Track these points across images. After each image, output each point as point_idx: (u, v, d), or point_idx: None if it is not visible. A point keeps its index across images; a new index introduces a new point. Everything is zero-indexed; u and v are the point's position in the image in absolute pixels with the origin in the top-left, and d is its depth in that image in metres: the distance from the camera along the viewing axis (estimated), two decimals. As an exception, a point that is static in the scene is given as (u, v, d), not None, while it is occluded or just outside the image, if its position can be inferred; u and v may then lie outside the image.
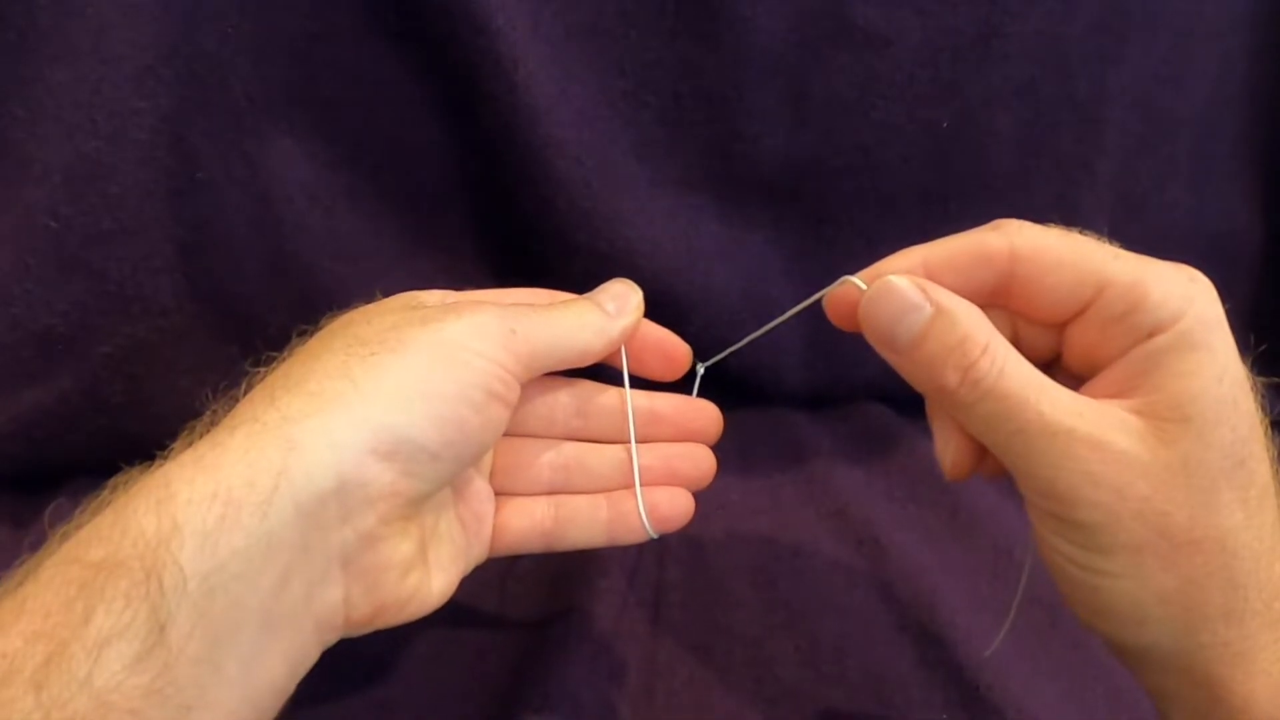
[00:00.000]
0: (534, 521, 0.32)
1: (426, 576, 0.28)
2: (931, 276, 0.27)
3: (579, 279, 0.47)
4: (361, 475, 0.24)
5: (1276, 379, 0.57)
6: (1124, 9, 0.48)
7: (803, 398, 0.54)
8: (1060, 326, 0.27)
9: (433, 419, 0.25)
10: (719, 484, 0.46)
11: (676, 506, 0.33)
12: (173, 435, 0.43)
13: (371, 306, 0.31)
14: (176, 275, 0.42)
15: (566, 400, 0.34)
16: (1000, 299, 0.27)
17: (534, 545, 0.32)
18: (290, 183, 0.43)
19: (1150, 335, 0.25)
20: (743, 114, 0.46)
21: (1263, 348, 0.29)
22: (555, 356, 0.30)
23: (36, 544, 0.40)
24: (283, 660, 0.23)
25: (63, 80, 0.38)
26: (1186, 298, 0.25)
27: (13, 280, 0.40)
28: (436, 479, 0.26)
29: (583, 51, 0.44)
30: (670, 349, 0.35)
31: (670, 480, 0.33)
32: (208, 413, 0.29)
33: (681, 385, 0.52)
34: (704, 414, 0.35)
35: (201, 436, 0.25)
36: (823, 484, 0.46)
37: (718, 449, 0.49)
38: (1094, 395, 0.25)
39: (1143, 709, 0.36)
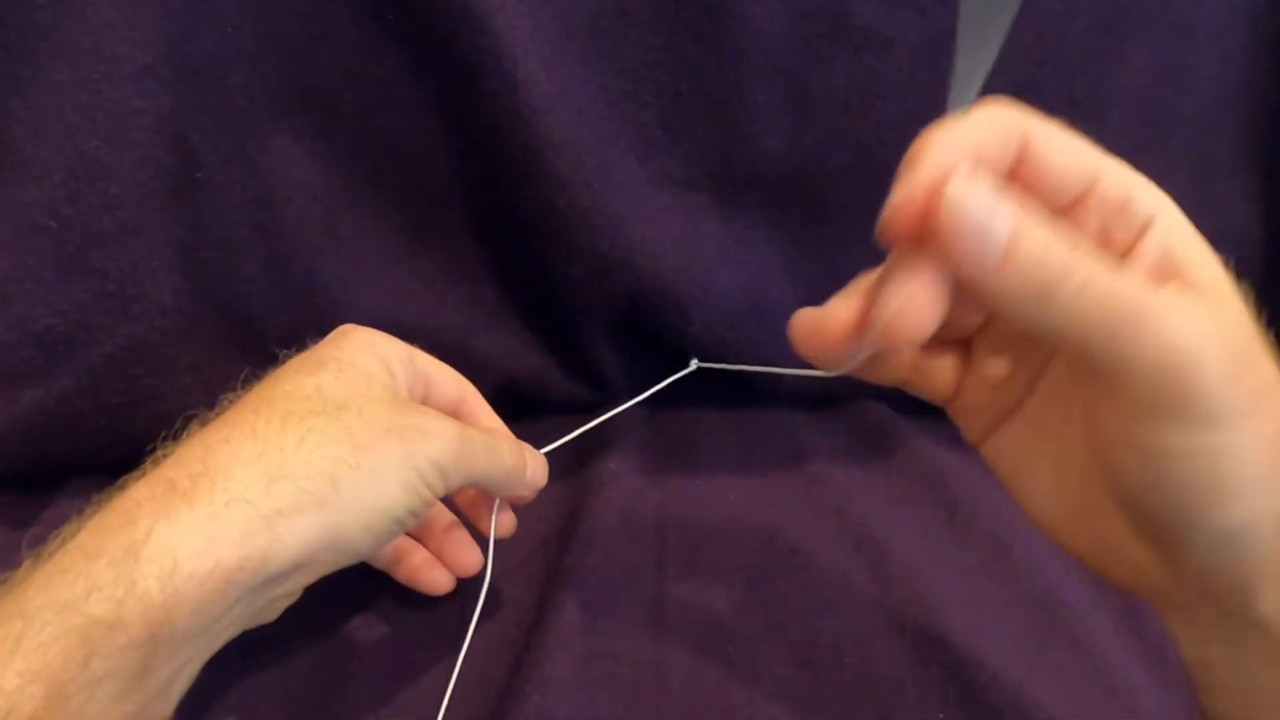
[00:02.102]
0: None
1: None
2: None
3: (579, 279, 0.47)
4: (311, 562, 0.29)
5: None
6: (1124, 9, 0.48)
7: (803, 398, 0.54)
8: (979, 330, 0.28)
9: (377, 533, 0.30)
10: (719, 483, 0.47)
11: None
12: (172, 436, 0.44)
13: (362, 379, 0.33)
14: (176, 275, 0.42)
15: None
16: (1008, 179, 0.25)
17: None
18: (290, 183, 0.43)
19: (1148, 225, 0.24)
20: (743, 114, 0.46)
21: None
22: (471, 484, 0.35)
23: (34, 548, 0.40)
24: (196, 676, 0.29)
25: (63, 80, 0.38)
26: (1153, 192, 0.24)
27: (13, 280, 0.40)
28: (350, 561, 0.31)
29: (583, 51, 0.44)
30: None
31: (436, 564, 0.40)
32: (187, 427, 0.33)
33: (688, 381, 0.52)
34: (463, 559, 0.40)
35: (177, 464, 0.29)
36: (822, 484, 0.46)
37: (719, 448, 0.50)
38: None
39: (1141, 708, 0.36)
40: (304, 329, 0.44)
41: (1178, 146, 0.53)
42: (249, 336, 0.44)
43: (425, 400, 0.36)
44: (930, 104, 0.48)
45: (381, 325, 0.45)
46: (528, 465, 0.37)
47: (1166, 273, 0.24)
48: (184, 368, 0.43)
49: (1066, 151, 0.24)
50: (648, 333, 0.50)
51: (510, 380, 0.49)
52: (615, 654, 0.36)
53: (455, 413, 0.37)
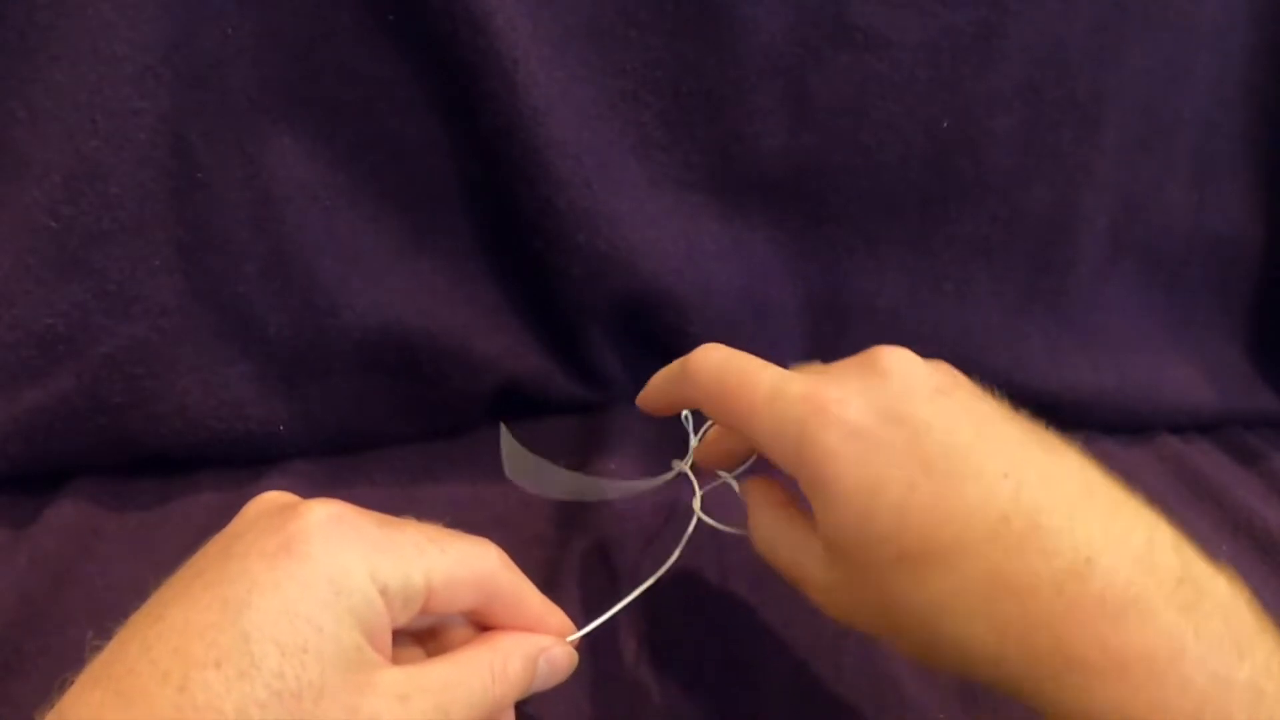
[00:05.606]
0: None
1: None
2: None
3: (579, 279, 0.47)
4: None
5: (1276, 379, 0.58)
6: (1124, 9, 0.48)
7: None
8: None
9: None
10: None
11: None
12: (173, 435, 0.44)
13: (293, 664, 0.23)
14: (176, 275, 0.42)
15: None
16: None
17: None
18: (290, 183, 0.43)
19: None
20: (743, 114, 0.46)
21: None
22: None
23: (36, 548, 0.40)
24: None
25: (63, 80, 0.38)
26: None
27: (13, 280, 0.40)
28: None
29: (583, 51, 0.44)
30: None
31: None
32: None
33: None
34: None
35: None
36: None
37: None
38: None
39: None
40: (304, 329, 0.45)
41: (1178, 146, 0.53)
42: (249, 336, 0.44)
43: (421, 611, 0.27)
44: (930, 104, 0.48)
45: (381, 325, 0.46)
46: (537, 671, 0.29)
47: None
48: (184, 368, 0.43)
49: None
50: (648, 333, 0.50)
51: (510, 380, 0.49)
52: (614, 653, 0.36)
53: (473, 617, 0.29)
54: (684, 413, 0.39)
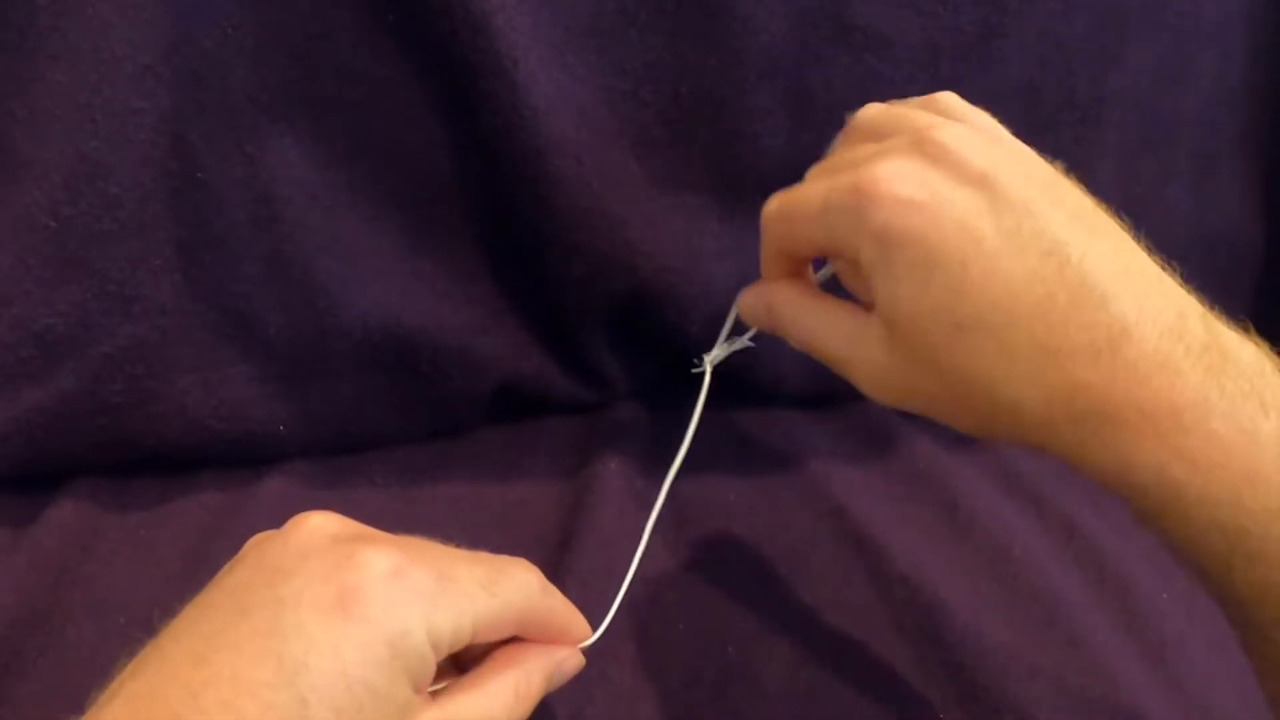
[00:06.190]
0: None
1: None
2: None
3: (579, 279, 0.47)
4: None
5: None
6: (1124, 9, 0.48)
7: (802, 398, 0.54)
8: None
9: None
10: (718, 484, 0.47)
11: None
12: (173, 435, 0.44)
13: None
14: (176, 275, 0.42)
15: None
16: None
17: None
18: (290, 183, 0.43)
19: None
20: (743, 114, 0.46)
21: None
22: None
23: (36, 548, 0.40)
24: None
25: (63, 80, 0.38)
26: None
27: (13, 280, 0.40)
28: None
29: (583, 51, 0.44)
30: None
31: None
32: None
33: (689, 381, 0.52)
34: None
35: None
36: (822, 484, 0.46)
37: (719, 447, 0.50)
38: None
39: (1140, 707, 0.36)
40: (304, 329, 0.45)
41: (1178, 146, 0.53)
42: (249, 336, 0.44)
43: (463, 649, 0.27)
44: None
45: (382, 325, 0.46)
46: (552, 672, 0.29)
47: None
48: (184, 368, 0.43)
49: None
50: (648, 332, 0.50)
51: (510, 380, 0.49)
52: (614, 655, 0.36)
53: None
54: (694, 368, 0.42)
